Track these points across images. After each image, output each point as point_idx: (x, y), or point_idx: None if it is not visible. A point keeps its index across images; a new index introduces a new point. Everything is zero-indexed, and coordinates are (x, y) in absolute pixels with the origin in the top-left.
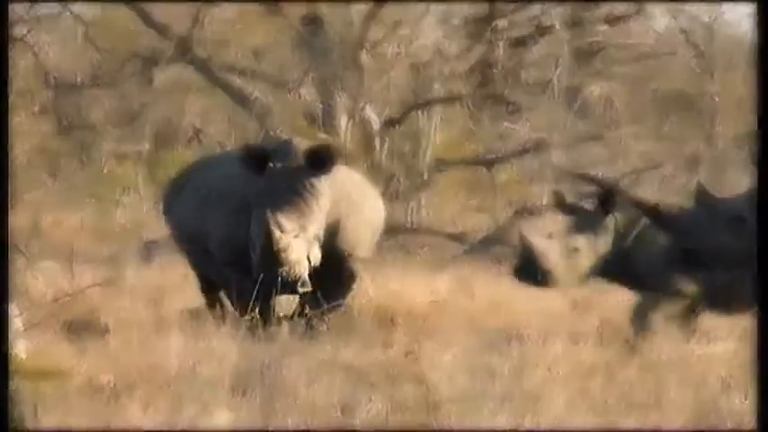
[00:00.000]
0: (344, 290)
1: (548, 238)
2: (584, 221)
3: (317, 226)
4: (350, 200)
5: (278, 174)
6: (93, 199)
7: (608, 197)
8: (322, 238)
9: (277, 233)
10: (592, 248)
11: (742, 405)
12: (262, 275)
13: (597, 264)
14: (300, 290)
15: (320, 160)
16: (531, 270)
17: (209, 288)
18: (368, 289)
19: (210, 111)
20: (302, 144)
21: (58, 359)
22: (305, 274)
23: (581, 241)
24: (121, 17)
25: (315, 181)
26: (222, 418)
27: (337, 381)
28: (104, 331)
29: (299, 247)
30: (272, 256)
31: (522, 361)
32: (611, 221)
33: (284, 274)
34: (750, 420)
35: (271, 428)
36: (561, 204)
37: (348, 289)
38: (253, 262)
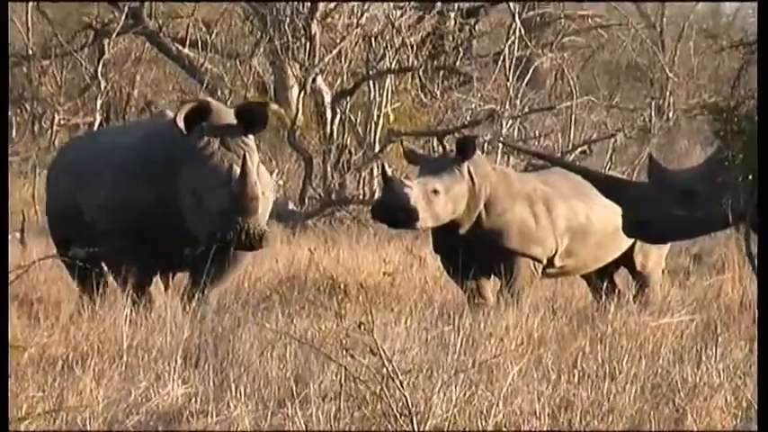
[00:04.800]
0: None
1: (407, 179)
2: (440, 167)
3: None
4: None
5: (212, 132)
6: (45, 171)
7: (466, 144)
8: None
9: (254, 176)
10: (450, 192)
11: (694, 376)
12: (208, 233)
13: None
14: (262, 245)
15: (252, 119)
16: (390, 210)
17: (86, 271)
18: (320, 260)
19: (162, 82)
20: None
21: (9, 331)
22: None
23: (439, 184)
24: None
25: (247, 140)
26: (175, 389)
27: (290, 352)
28: (56, 303)
29: (266, 198)
30: (243, 205)
31: (474, 332)
32: (466, 169)
33: (250, 226)
34: (703, 392)
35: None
36: (408, 153)
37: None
38: (194, 220)
